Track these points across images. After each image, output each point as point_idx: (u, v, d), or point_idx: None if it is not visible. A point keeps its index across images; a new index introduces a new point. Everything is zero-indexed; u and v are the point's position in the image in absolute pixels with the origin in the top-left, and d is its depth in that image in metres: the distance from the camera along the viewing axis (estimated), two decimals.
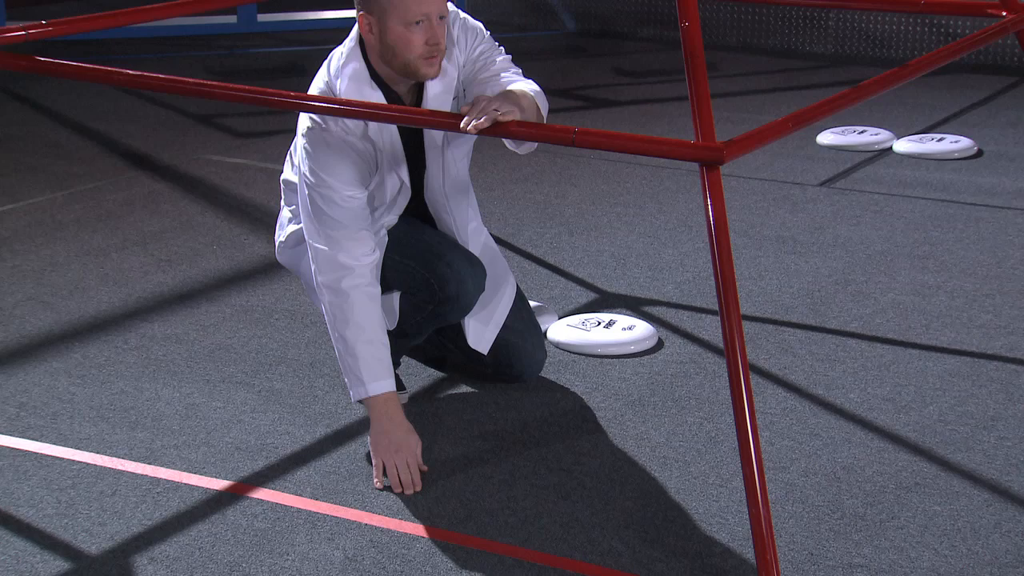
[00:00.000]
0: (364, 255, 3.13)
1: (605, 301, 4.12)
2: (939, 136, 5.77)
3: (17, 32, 3.40)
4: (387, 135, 3.16)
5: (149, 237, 4.77)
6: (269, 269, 4.42)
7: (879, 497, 2.96)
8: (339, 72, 3.14)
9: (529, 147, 3.17)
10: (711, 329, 3.88)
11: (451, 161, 3.26)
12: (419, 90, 3.18)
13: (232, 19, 8.46)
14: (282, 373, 3.63)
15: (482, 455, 3.17)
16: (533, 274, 4.36)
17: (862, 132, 5.84)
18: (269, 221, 4.85)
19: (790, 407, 3.40)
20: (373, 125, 3.13)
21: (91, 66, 3.32)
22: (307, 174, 3.13)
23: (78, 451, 3.20)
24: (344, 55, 3.16)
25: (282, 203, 3.46)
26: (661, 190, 5.24)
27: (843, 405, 3.41)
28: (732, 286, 2.63)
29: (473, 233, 3.40)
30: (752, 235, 4.68)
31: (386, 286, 3.29)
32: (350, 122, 3.10)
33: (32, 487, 3.04)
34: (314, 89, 3.18)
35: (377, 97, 3.12)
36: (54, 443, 3.24)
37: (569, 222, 4.88)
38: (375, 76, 3.13)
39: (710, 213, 2.68)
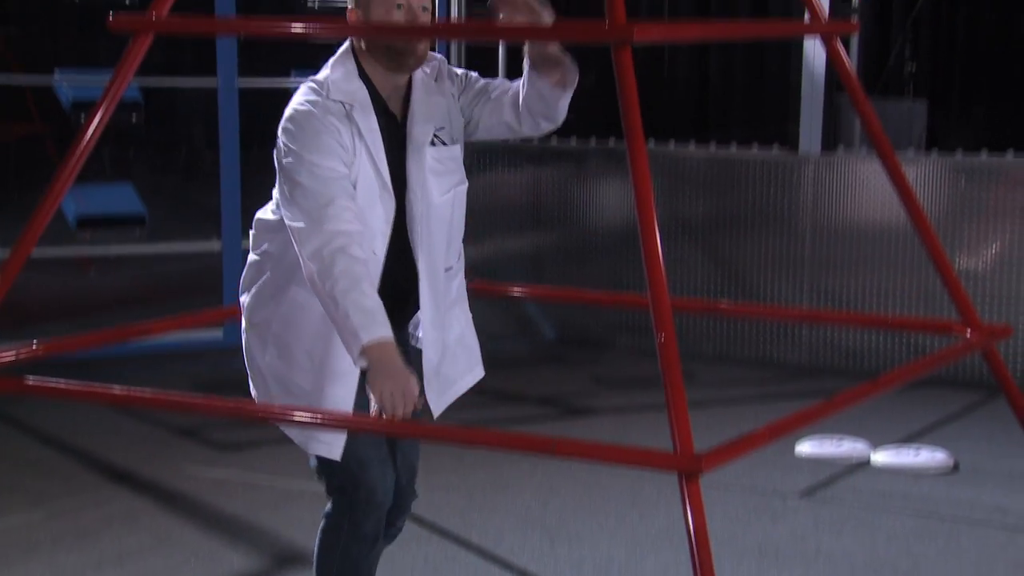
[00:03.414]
0: (348, 222, 3.14)
1: None
2: (916, 448, 5.81)
3: (7, 354, 3.47)
4: (368, 122, 3.25)
5: (125, 555, 4.71)
6: None
7: None
8: (332, 68, 3.29)
9: (564, 89, 3.31)
10: None
11: (431, 168, 3.33)
12: (406, 102, 3.32)
13: (218, 334, 8.60)
14: None
15: None
16: None
17: (839, 442, 5.88)
18: (249, 535, 4.81)
19: None
20: (357, 109, 3.23)
21: (80, 387, 3.37)
22: (289, 156, 3.18)
23: None
24: (336, 57, 3.32)
25: (250, 253, 3.45)
26: (642, 498, 5.23)
27: None
28: None
29: (446, 279, 3.43)
30: (734, 545, 4.66)
31: None
32: (333, 105, 3.20)
33: None
34: (303, 87, 3.29)
35: (363, 91, 3.25)
36: None
37: (551, 531, 4.85)
38: (363, 75, 3.28)
39: (690, 525, 2.69)
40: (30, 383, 3.39)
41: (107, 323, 6.80)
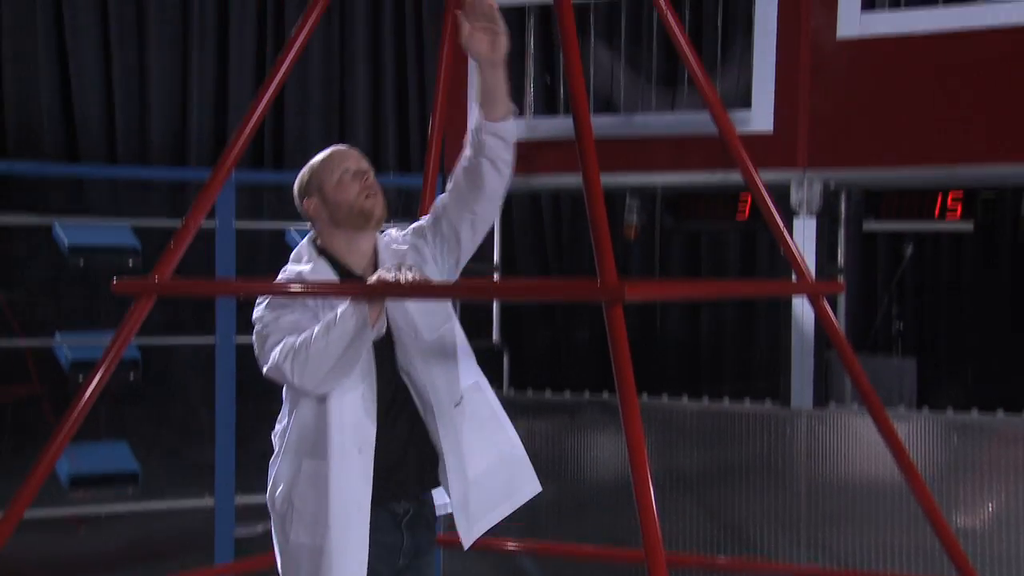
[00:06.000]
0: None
1: None
2: None
3: None
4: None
5: None
6: None
7: None
8: (298, 254, 3.68)
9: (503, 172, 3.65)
10: None
11: (414, 308, 3.56)
12: (375, 264, 3.62)
13: None
14: None
15: None
16: None
17: None
18: None
19: None
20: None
21: None
22: (265, 327, 3.52)
23: None
24: (296, 251, 3.72)
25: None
26: None
27: None
28: None
29: (458, 414, 3.59)
30: None
31: None
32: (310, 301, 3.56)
33: None
34: (279, 277, 3.70)
35: (330, 273, 3.61)
36: None
37: None
38: (329, 258, 3.63)
39: None
40: None
41: None
